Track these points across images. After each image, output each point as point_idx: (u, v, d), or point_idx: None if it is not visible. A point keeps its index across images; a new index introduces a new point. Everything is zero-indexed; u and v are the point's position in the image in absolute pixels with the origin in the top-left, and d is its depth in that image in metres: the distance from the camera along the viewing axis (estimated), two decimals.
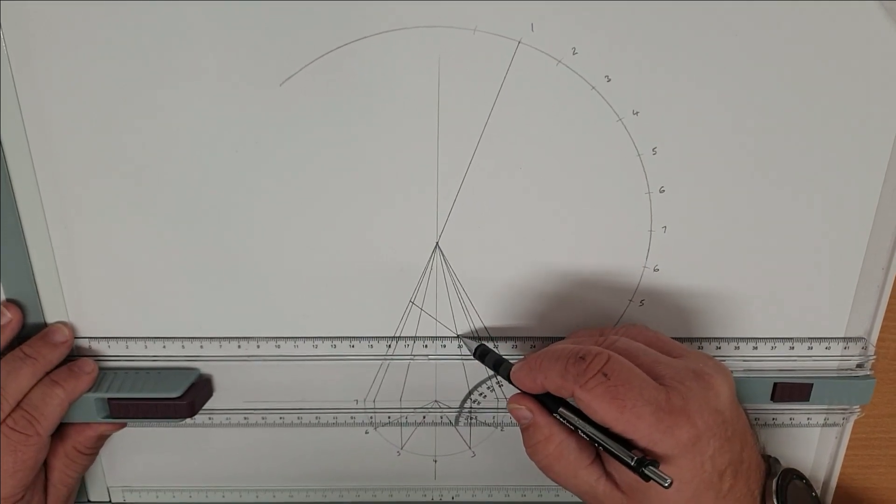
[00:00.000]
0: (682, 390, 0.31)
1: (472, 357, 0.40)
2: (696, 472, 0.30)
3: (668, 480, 0.29)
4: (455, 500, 0.47)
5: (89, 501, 0.46)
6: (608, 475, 0.33)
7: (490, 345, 0.40)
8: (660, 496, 0.31)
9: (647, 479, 0.29)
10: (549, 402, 0.34)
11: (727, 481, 0.31)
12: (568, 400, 0.33)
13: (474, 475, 0.46)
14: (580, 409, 0.32)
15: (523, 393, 0.35)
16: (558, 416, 0.33)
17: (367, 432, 0.44)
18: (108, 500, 0.46)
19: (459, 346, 0.41)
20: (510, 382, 0.35)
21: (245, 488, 0.46)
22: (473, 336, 0.41)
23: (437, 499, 0.47)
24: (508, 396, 0.42)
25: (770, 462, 0.35)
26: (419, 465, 0.46)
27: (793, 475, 0.35)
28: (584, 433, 0.32)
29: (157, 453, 0.45)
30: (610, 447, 0.31)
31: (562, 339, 0.40)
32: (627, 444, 0.30)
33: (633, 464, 0.30)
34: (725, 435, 0.31)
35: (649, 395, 0.30)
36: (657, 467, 0.29)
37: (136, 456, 0.45)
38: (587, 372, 0.31)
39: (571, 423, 0.32)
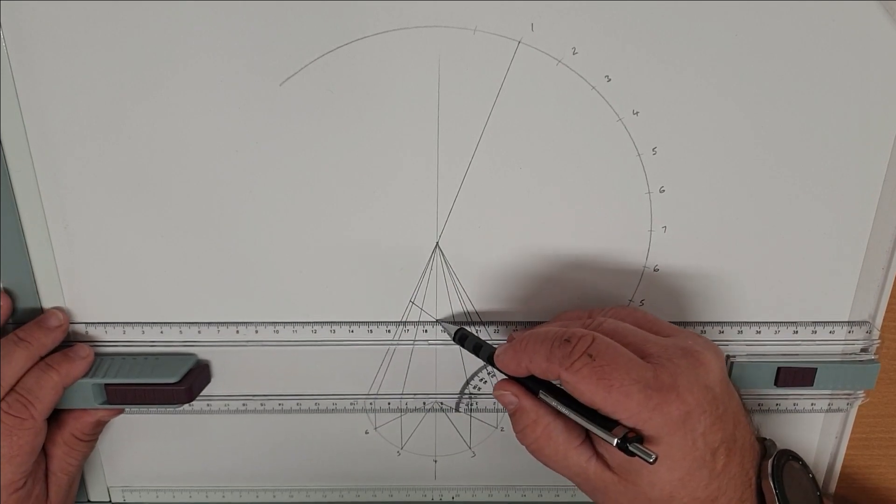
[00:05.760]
0: (670, 367, 0.30)
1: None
2: (688, 450, 0.30)
3: (653, 456, 0.28)
4: (455, 500, 0.47)
5: (89, 501, 0.46)
6: (599, 456, 0.33)
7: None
8: (651, 475, 0.31)
9: (631, 454, 0.29)
10: (533, 386, 0.34)
11: (720, 460, 0.31)
12: (555, 383, 0.33)
13: (474, 475, 0.46)
14: (563, 391, 0.32)
15: (509, 378, 0.35)
16: (542, 398, 0.33)
17: (367, 432, 0.44)
18: (108, 500, 0.46)
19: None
20: (493, 366, 0.35)
21: (245, 488, 0.46)
22: (452, 321, 0.40)
23: (437, 499, 0.47)
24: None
25: (766, 444, 0.35)
26: (419, 465, 0.46)
27: (789, 456, 0.35)
28: (568, 415, 0.32)
29: (157, 453, 0.45)
30: (590, 427, 0.30)
31: None
32: (614, 424, 0.30)
33: (615, 442, 0.29)
34: (717, 412, 0.31)
35: (637, 373, 0.30)
36: (641, 443, 0.29)
37: (136, 456, 0.45)
38: (573, 354, 0.31)
39: (553, 405, 0.32)
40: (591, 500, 0.47)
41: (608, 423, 0.30)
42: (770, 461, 0.34)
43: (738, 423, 0.32)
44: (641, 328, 0.34)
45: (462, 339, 0.39)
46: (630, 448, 0.29)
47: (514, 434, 0.35)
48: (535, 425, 0.33)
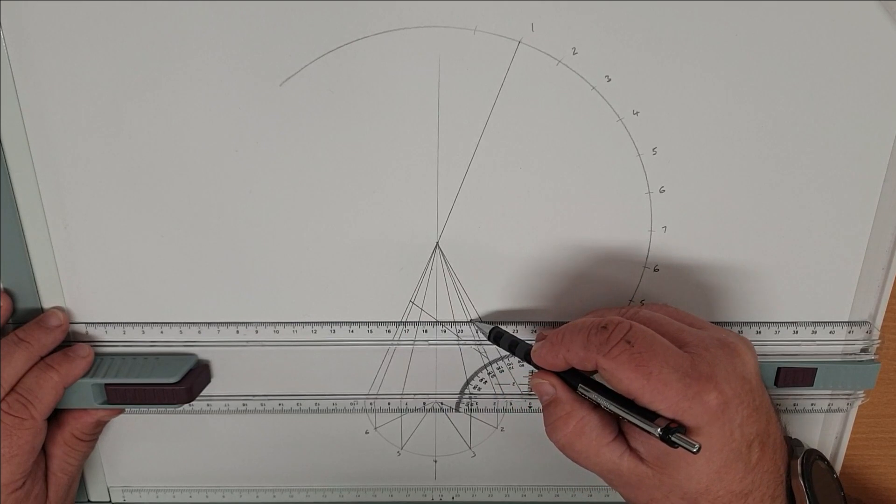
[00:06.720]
0: (707, 357, 0.30)
1: (472, 342, 0.40)
2: (726, 441, 0.30)
3: (697, 446, 0.28)
4: (455, 500, 0.47)
5: (89, 501, 0.46)
6: (632, 451, 0.32)
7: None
8: (689, 467, 0.30)
9: (674, 445, 0.29)
10: (571, 379, 0.33)
11: (755, 453, 0.31)
12: (593, 378, 0.33)
13: (474, 475, 0.46)
14: (603, 384, 0.32)
15: (545, 370, 0.34)
16: (581, 391, 0.33)
17: (367, 432, 0.44)
18: (108, 500, 0.46)
19: (464, 332, 0.41)
20: (529, 363, 0.35)
21: (245, 488, 0.46)
22: (487, 321, 0.41)
23: (437, 499, 0.47)
24: (505, 384, 0.43)
25: (792, 444, 0.35)
26: (419, 465, 0.46)
27: (815, 456, 0.35)
28: (607, 407, 0.31)
29: (157, 453, 0.45)
30: (633, 418, 0.30)
31: None
32: (653, 416, 0.30)
33: (658, 432, 0.29)
34: (753, 404, 0.31)
35: (675, 361, 0.30)
36: (684, 433, 0.29)
37: (136, 456, 0.45)
38: (610, 340, 0.31)
39: (593, 398, 0.32)
40: (592, 500, 0.47)
41: (647, 415, 0.30)
42: (799, 460, 0.34)
43: (771, 418, 0.32)
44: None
45: (497, 337, 0.39)
46: (673, 438, 0.29)
47: (545, 428, 0.34)
48: (569, 418, 0.33)
